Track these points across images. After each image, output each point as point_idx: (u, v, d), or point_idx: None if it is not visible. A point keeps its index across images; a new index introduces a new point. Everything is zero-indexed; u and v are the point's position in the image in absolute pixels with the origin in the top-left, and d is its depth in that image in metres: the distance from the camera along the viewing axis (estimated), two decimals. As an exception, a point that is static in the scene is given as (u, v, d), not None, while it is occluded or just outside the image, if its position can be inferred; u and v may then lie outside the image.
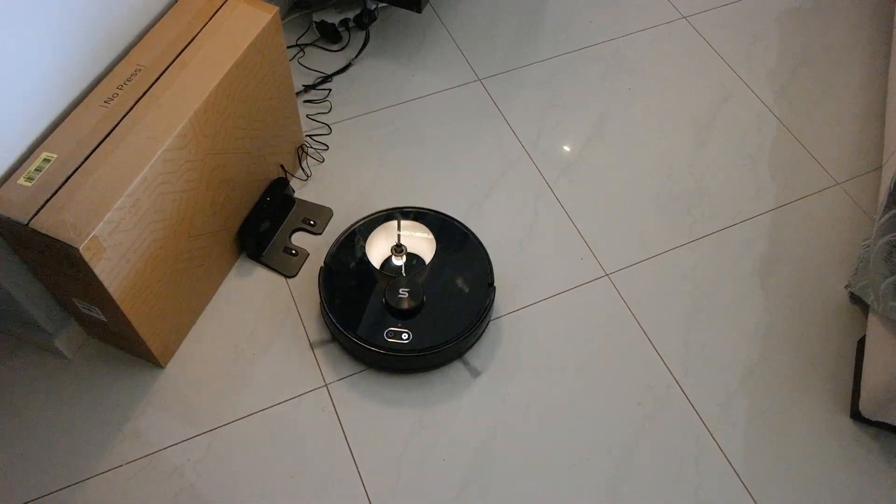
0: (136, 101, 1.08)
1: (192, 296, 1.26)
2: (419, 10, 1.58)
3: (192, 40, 1.15)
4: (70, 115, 1.06)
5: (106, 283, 1.01)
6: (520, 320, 1.33)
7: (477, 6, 1.83)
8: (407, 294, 1.25)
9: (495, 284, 1.29)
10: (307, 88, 1.63)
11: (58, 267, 1.02)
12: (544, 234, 1.45)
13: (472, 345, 1.29)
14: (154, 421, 1.20)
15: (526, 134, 1.59)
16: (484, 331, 1.31)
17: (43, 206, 0.97)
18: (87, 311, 1.14)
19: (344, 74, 1.67)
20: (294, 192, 1.47)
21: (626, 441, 1.21)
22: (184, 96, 1.09)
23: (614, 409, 1.25)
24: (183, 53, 1.14)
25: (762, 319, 1.35)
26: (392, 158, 1.54)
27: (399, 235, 1.33)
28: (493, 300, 1.28)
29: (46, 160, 1.01)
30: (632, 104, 1.66)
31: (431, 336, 1.23)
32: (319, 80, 1.65)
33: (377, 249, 1.32)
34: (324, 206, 1.45)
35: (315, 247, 1.41)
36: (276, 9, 1.22)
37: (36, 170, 1.00)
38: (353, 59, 1.70)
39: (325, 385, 1.25)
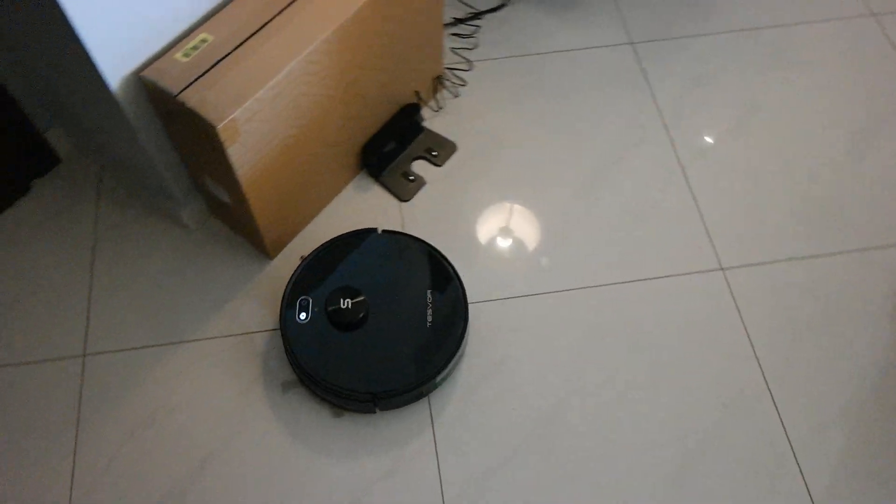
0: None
1: (310, 198, 1.31)
2: (586, -40, 1.52)
3: (357, -50, 1.17)
4: (232, 3, 1.11)
5: (235, 167, 1.07)
6: (622, 293, 1.30)
7: (648, -34, 1.74)
8: (347, 304, 1.14)
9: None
10: (457, 21, 1.62)
11: (196, 142, 1.09)
12: (666, 212, 1.39)
13: (347, 410, 1.17)
14: (252, 306, 1.28)
15: (669, 108, 1.52)
16: (372, 410, 1.16)
17: (192, 83, 1.02)
18: (214, 191, 1.22)
19: (496, 14, 1.65)
20: (424, 120, 1.48)
21: (702, 437, 1.17)
22: (338, 2, 1.11)
23: (698, 402, 1.20)
24: (346, -39, 1.16)
25: (882, 358, 1.24)
26: (526, 107, 1.52)
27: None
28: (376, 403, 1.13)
29: (203, 41, 1.07)
30: (788, 97, 1.54)
31: (327, 361, 1.12)
32: (471, 15, 1.64)
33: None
34: (449, 140, 1.46)
35: (433, 178, 1.42)
36: (443, -68, 1.21)
37: (192, 48, 1.06)
38: (508, 0, 1.67)
39: (414, 311, 1.27)
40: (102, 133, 1.23)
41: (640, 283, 1.31)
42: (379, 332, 1.15)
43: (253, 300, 1.28)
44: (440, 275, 1.20)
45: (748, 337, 1.26)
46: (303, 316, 1.16)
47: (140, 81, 1.05)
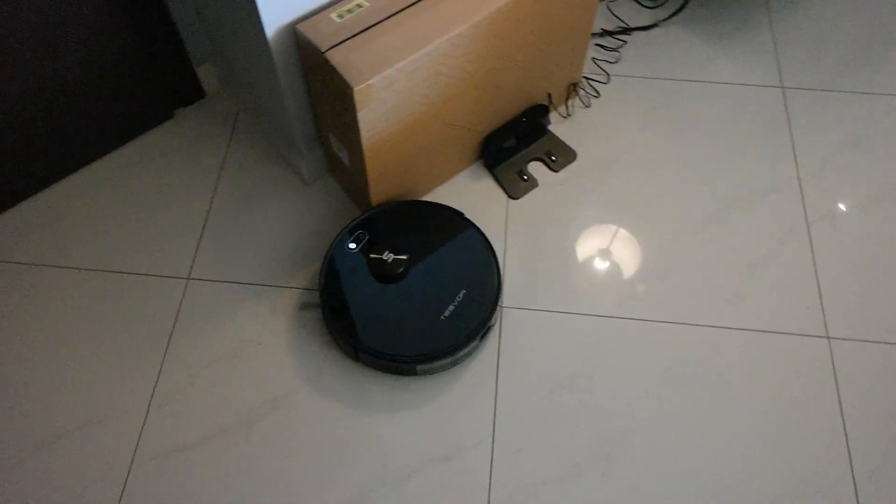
0: (452, -18, 1.13)
1: (424, 175, 1.34)
2: (752, -6, 1.46)
3: (523, -57, 1.18)
4: (393, -25, 1.14)
5: (362, 130, 1.10)
6: (715, 337, 1.25)
7: (818, 10, 1.65)
8: (389, 258, 1.19)
9: None
10: (604, 33, 1.60)
11: (331, 100, 1.13)
12: (780, 267, 1.32)
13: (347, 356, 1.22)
14: (347, 268, 1.32)
15: (808, 162, 1.44)
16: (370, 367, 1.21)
17: (340, 43, 1.06)
18: (336, 150, 1.26)
19: (645, 32, 1.62)
20: (549, 123, 1.48)
21: (767, 506, 1.11)
22: (494, -8, 1.12)
23: (771, 467, 1.14)
24: (510, -47, 1.17)
25: None
26: (656, 131, 1.48)
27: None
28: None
29: (359, 6, 1.11)
30: (947, 176, 1.43)
31: (344, 290, 1.18)
32: (619, 29, 1.61)
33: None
34: (571, 148, 1.44)
35: (546, 181, 1.41)
36: (612, -60, 1.19)
37: (348, 10, 1.10)
38: (660, 21, 1.63)
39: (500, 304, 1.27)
40: (249, 75, 1.30)
41: (737, 332, 1.25)
42: (401, 296, 1.18)
43: (349, 262, 1.32)
44: (485, 286, 1.20)
45: (842, 416, 1.18)
46: (353, 245, 1.22)
47: (293, 33, 1.10)
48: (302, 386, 1.20)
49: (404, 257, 1.20)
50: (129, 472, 1.14)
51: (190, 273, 1.32)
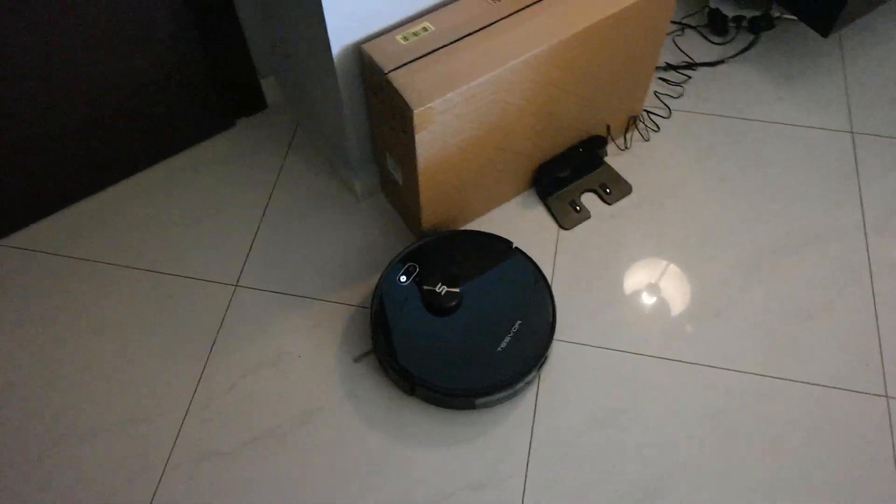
0: (520, 10, 1.13)
1: (475, 199, 1.33)
2: (825, 35, 1.43)
3: (592, -25, 1.17)
4: (459, 1, 1.15)
5: (419, 152, 1.10)
6: (766, 387, 1.20)
7: (893, 54, 1.60)
8: (442, 291, 1.17)
9: None
10: (669, 67, 1.58)
11: (390, 120, 1.14)
12: (838, 318, 1.27)
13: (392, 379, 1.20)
14: (392, 286, 1.32)
15: (874, 211, 1.39)
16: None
17: (404, 65, 1.07)
18: (391, 169, 1.27)
19: (711, 69, 1.59)
20: (606, 155, 1.46)
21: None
22: (560, 21, 1.12)
23: (817, 531, 1.08)
24: (578, -17, 1.16)
25: None
26: (715, 169, 1.45)
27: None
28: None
29: (425, 29, 1.12)
30: None
31: (398, 324, 1.16)
32: (685, 64, 1.59)
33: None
34: (626, 181, 1.42)
35: (598, 213, 1.39)
36: (684, -25, 1.18)
37: (413, 34, 1.11)
38: (727, 58, 1.60)
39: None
40: (311, 91, 1.32)
41: (788, 383, 1.21)
42: (455, 329, 1.17)
43: (395, 281, 1.32)
44: (539, 315, 1.18)
45: (898, 480, 1.12)
46: (403, 279, 1.20)
47: (358, 52, 1.11)
48: (339, 401, 1.20)
49: (457, 290, 1.18)
50: (163, 472, 1.15)
51: (238, 280, 1.33)
